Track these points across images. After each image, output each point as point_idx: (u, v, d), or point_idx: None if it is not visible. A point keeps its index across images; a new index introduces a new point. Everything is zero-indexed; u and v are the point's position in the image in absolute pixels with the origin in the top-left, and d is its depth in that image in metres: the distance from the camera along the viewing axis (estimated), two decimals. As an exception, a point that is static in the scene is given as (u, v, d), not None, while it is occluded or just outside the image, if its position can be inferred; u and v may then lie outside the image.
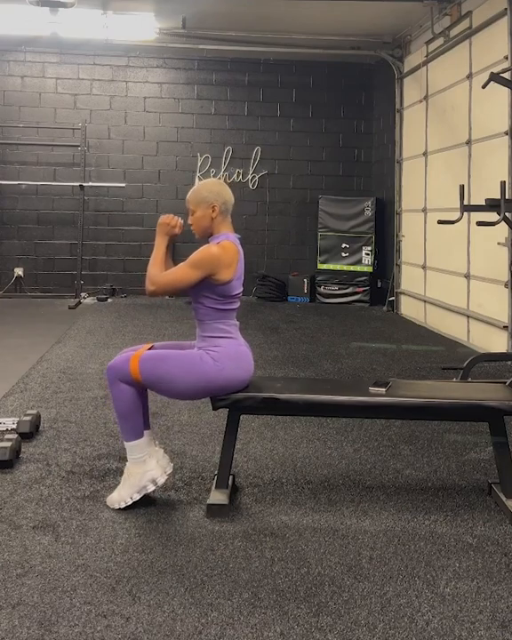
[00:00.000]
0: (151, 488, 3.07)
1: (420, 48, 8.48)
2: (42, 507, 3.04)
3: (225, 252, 2.99)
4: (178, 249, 9.77)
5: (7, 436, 3.61)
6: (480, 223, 5.16)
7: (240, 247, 3.11)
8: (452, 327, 7.58)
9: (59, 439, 3.94)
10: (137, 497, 3.04)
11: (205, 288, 3.01)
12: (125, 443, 3.09)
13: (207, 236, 3.14)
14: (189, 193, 3.13)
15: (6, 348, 6.46)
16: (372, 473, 3.53)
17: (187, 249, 3.30)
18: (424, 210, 8.47)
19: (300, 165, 10.61)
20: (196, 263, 2.97)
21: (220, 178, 10.36)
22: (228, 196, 3.12)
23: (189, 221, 3.13)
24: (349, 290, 10.06)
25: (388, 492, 3.28)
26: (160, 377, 3.00)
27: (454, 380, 5.20)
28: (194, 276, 2.97)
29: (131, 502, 3.02)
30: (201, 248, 3.01)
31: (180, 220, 3.13)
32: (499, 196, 5.15)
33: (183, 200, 3.26)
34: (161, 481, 3.09)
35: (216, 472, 3.23)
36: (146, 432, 3.12)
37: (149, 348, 3.12)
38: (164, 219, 3.14)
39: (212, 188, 3.10)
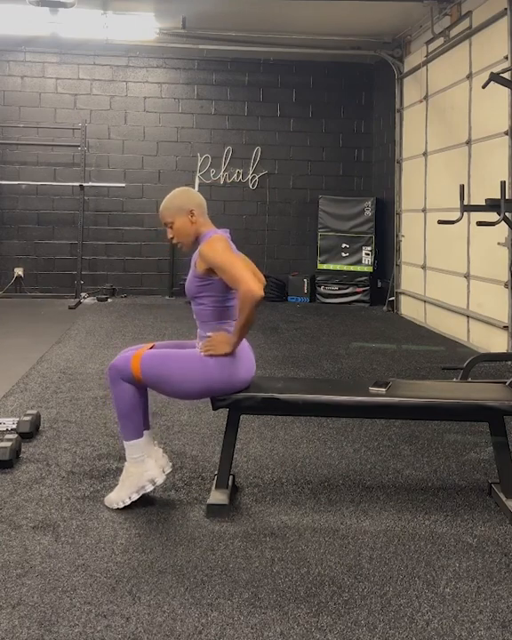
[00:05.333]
0: (150, 488, 3.07)
1: (420, 48, 8.48)
2: (42, 507, 3.04)
3: (221, 241, 2.98)
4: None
5: (7, 436, 3.61)
6: (480, 223, 5.16)
7: (231, 242, 3.08)
8: (452, 327, 7.58)
9: (59, 439, 3.94)
10: (135, 497, 3.04)
11: (208, 288, 3.00)
12: (125, 442, 3.09)
13: (194, 244, 3.09)
14: (161, 209, 3.10)
15: (6, 348, 6.46)
16: (372, 473, 3.53)
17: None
18: (424, 210, 8.47)
19: (299, 165, 10.61)
20: (225, 251, 2.92)
21: (219, 178, 10.38)
22: (199, 197, 3.12)
23: (170, 236, 3.10)
24: (349, 290, 10.06)
25: (388, 492, 3.28)
26: (161, 376, 3.00)
27: (454, 380, 5.20)
28: (238, 257, 2.99)
29: (129, 502, 3.02)
30: (204, 246, 2.96)
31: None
32: (499, 196, 5.16)
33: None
34: (159, 481, 3.09)
35: (216, 472, 3.23)
36: (145, 432, 3.13)
37: (151, 348, 3.12)
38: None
39: (180, 196, 3.09)
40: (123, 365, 3.01)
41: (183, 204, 3.05)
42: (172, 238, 3.11)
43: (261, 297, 2.84)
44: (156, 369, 2.99)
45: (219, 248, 2.93)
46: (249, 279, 2.83)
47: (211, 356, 2.98)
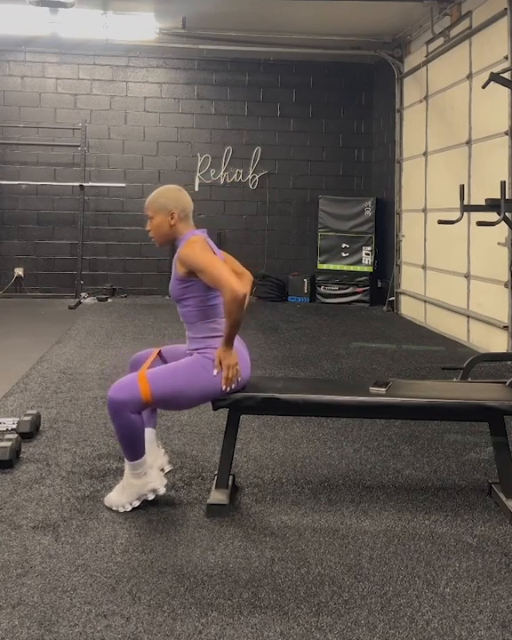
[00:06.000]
0: (151, 497, 3.05)
1: (420, 48, 8.48)
2: (42, 507, 3.04)
3: (199, 242, 2.98)
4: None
5: (7, 436, 3.61)
6: (480, 223, 5.16)
7: (210, 240, 3.08)
8: (452, 327, 7.58)
9: (59, 439, 3.94)
10: (136, 504, 3.02)
11: (190, 289, 2.98)
12: (127, 462, 3.02)
13: (167, 243, 3.10)
14: (148, 199, 3.08)
15: (6, 348, 6.46)
16: (372, 473, 3.53)
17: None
18: (424, 210, 8.47)
19: (299, 165, 10.61)
20: (203, 252, 2.91)
21: (219, 178, 10.39)
22: (187, 201, 3.09)
23: (148, 227, 3.10)
24: (349, 290, 10.06)
25: (388, 492, 3.28)
26: (171, 395, 2.94)
27: (454, 380, 5.20)
28: (217, 258, 2.96)
29: (130, 509, 3.01)
30: (182, 249, 2.95)
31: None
32: (499, 196, 5.16)
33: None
34: (161, 491, 3.06)
35: (216, 472, 3.23)
36: (150, 430, 3.11)
37: (158, 353, 3.12)
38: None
39: (170, 195, 3.06)
40: (125, 397, 2.88)
41: (167, 203, 3.03)
42: (149, 231, 3.11)
43: (245, 294, 2.82)
44: (166, 389, 2.91)
45: (196, 249, 2.92)
46: (229, 278, 2.81)
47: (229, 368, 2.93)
